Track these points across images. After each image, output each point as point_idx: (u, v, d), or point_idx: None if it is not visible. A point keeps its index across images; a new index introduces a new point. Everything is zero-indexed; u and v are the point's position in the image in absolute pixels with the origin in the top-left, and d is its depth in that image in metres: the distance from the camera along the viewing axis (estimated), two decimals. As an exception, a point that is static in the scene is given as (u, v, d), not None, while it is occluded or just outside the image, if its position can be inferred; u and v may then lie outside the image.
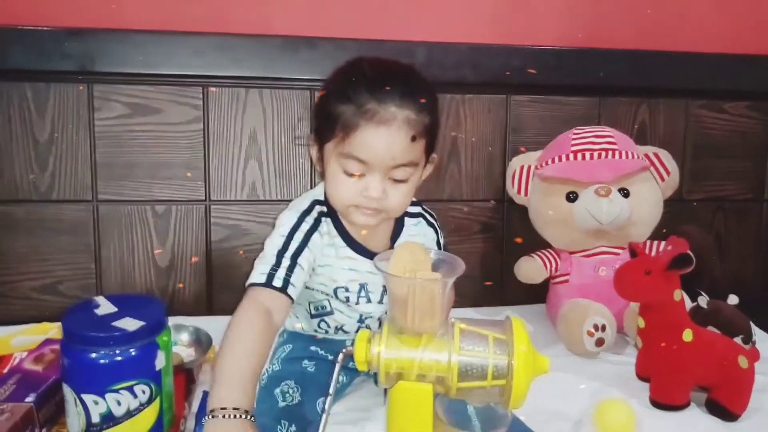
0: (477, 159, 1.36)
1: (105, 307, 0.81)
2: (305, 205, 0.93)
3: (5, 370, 0.92)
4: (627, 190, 1.18)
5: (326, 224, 0.92)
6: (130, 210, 1.25)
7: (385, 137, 0.83)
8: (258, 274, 0.83)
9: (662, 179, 1.24)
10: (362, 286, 0.95)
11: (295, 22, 1.26)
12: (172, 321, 0.84)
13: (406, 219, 1.00)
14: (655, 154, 1.25)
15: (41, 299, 1.24)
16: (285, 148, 1.29)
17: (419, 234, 1.01)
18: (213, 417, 0.68)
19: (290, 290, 0.83)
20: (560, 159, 1.21)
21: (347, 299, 0.95)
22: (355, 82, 0.85)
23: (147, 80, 1.22)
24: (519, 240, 1.27)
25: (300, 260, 0.86)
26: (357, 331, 0.99)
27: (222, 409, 0.69)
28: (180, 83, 1.23)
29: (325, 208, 0.94)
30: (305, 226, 0.89)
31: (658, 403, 0.97)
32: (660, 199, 1.24)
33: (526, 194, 1.26)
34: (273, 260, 0.85)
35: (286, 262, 0.85)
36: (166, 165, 1.25)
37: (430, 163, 0.95)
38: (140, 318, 0.77)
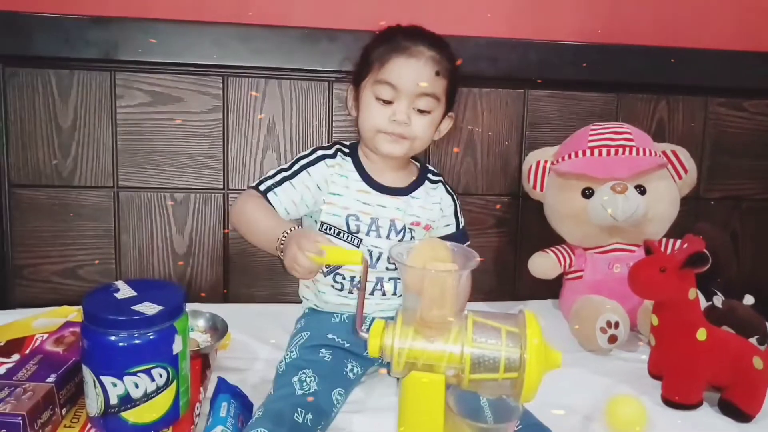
0: (493, 153, 1.36)
1: (125, 291, 0.82)
2: (325, 145, 1.07)
3: (27, 351, 0.94)
4: (643, 187, 1.17)
5: (341, 158, 1.05)
6: (149, 197, 1.27)
7: (414, 67, 0.97)
8: (256, 180, 1.03)
9: (679, 177, 1.23)
10: (373, 221, 1.02)
11: (314, 13, 1.26)
12: (189, 307, 0.86)
13: (427, 181, 1.09)
14: (673, 152, 1.24)
15: (62, 283, 1.27)
16: (303, 138, 1.30)
17: (437, 195, 1.09)
18: (284, 237, 0.87)
19: (270, 195, 0.99)
20: (577, 155, 1.21)
21: (358, 229, 1.01)
22: (394, 31, 1.02)
23: (168, 69, 1.24)
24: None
25: (294, 180, 1.01)
26: (372, 292, 1.03)
27: (283, 234, 0.87)
28: (200, 73, 1.25)
29: (346, 149, 1.07)
30: (312, 156, 1.04)
31: (670, 402, 0.97)
32: (677, 197, 1.23)
33: (541, 189, 1.26)
34: (272, 173, 1.03)
35: (278, 176, 1.01)
36: (185, 153, 1.27)
37: (448, 118, 1.07)
38: (159, 303, 0.79)
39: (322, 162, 1.03)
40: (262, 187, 1.00)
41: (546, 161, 1.26)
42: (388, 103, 0.99)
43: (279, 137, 1.29)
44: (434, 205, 1.08)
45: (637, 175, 1.17)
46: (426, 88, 0.98)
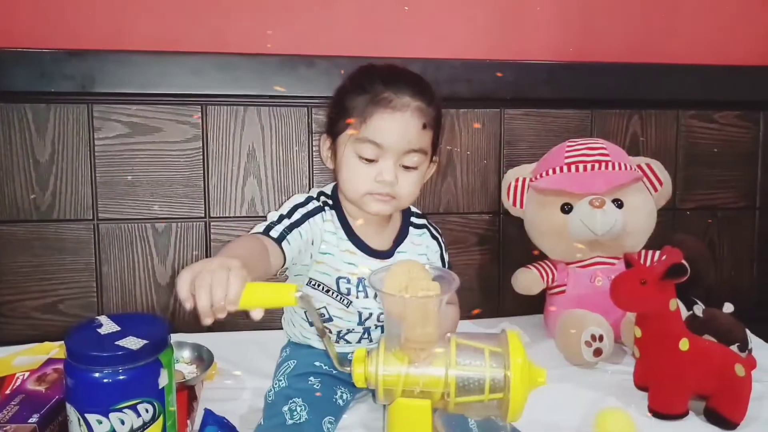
0: (473, 172, 1.37)
1: (108, 326, 0.81)
2: (313, 193, 1.00)
3: (7, 391, 0.92)
4: (621, 200, 1.19)
5: (330, 213, 0.98)
6: (130, 228, 1.26)
7: (399, 122, 0.90)
8: (258, 227, 0.91)
9: (655, 189, 1.26)
10: (360, 281, 0.97)
11: (291, 40, 1.28)
12: (173, 338, 0.85)
13: (411, 228, 1.04)
14: (648, 165, 1.26)
15: (42, 318, 1.25)
16: (283, 165, 1.30)
17: (422, 244, 1.04)
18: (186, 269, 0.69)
19: (284, 245, 0.89)
20: (554, 171, 1.23)
21: (348, 291, 0.97)
22: (371, 77, 0.93)
23: (146, 100, 1.24)
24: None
25: (300, 228, 0.92)
26: (359, 341, 1.01)
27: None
28: (179, 102, 1.25)
29: (330, 201, 0.99)
30: (311, 205, 0.96)
31: (656, 412, 0.97)
32: (653, 209, 1.25)
33: (521, 206, 1.27)
34: (275, 219, 0.92)
35: (286, 222, 0.92)
36: (165, 183, 1.26)
37: (433, 163, 1.01)
38: (143, 336, 0.78)
39: (318, 215, 0.96)
40: (273, 234, 0.90)
41: (524, 178, 1.27)
42: (372, 161, 0.92)
43: (260, 164, 1.29)
44: (420, 257, 1.03)
45: (614, 189, 1.19)
46: (414, 143, 0.91)
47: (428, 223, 1.08)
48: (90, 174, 1.24)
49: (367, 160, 0.92)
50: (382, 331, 1.01)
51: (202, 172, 1.27)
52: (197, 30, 1.25)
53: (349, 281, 0.97)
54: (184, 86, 1.23)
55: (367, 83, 0.92)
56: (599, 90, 1.37)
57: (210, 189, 1.28)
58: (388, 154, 0.91)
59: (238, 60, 1.24)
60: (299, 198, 0.98)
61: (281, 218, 0.93)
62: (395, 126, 0.90)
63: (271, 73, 1.25)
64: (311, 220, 0.95)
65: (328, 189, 1.02)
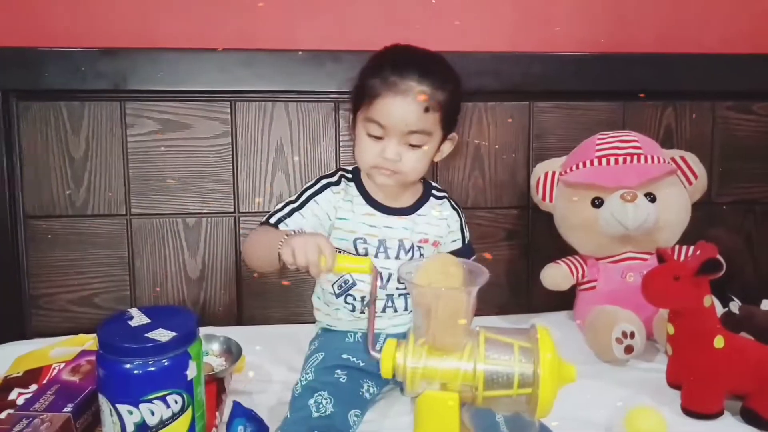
0: (501, 166, 1.36)
1: (138, 318, 0.83)
2: (329, 173, 1.07)
3: (44, 381, 0.95)
4: (653, 194, 1.17)
5: (345, 184, 1.05)
6: (162, 223, 1.28)
7: (401, 105, 0.95)
8: (266, 216, 1.02)
9: (689, 183, 1.22)
10: (381, 242, 1.02)
11: (319, 36, 1.28)
12: (202, 331, 0.86)
13: (432, 198, 1.09)
14: (682, 158, 1.23)
15: (78, 311, 1.28)
16: (311, 160, 1.31)
17: (443, 212, 1.09)
18: (284, 238, 0.86)
19: (281, 227, 0.99)
20: (585, 165, 1.21)
21: (366, 251, 1.01)
22: (385, 60, 0.99)
23: (177, 97, 1.26)
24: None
25: (303, 210, 1.01)
26: (384, 309, 1.03)
27: (285, 234, 0.88)
28: (208, 99, 1.27)
29: (349, 175, 1.07)
30: (317, 185, 1.04)
31: (690, 411, 0.95)
32: (688, 203, 1.22)
33: (551, 200, 1.26)
34: (280, 206, 1.03)
35: (287, 209, 1.01)
36: (196, 179, 1.28)
37: (449, 140, 1.05)
38: (172, 329, 0.79)
39: (328, 190, 1.03)
40: (272, 220, 1.00)
41: (554, 172, 1.26)
42: (379, 138, 0.98)
43: (288, 159, 1.30)
44: (441, 221, 1.08)
45: (646, 183, 1.17)
46: (415, 125, 0.96)
47: (449, 196, 1.12)
48: (123, 170, 1.26)
49: (374, 137, 0.98)
50: (406, 301, 1.03)
51: (231, 167, 1.29)
52: (225, 27, 1.27)
53: (366, 241, 1.02)
54: (213, 83, 1.25)
55: (380, 66, 0.98)
56: (631, 81, 1.34)
57: (239, 184, 1.30)
58: (391, 133, 0.97)
59: (265, 56, 1.25)
60: (309, 183, 1.05)
61: (286, 204, 1.02)
62: (396, 109, 0.95)
63: (297, 68, 1.26)
64: (318, 197, 1.02)
65: (349, 167, 1.10)
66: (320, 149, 1.31)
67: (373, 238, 1.02)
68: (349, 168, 1.09)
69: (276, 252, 0.87)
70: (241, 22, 1.27)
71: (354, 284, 1.02)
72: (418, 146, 0.98)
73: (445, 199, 1.11)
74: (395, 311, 1.03)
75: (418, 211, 1.06)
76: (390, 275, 1.02)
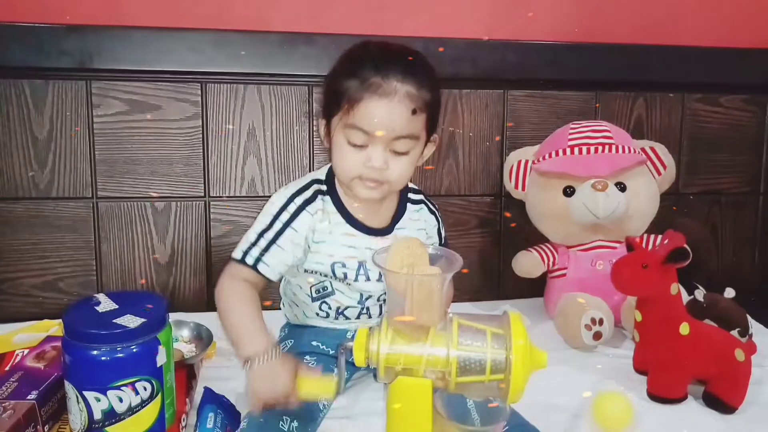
0: (474, 154, 1.36)
1: (106, 304, 0.81)
2: (300, 185, 0.96)
3: (7, 368, 0.92)
4: (624, 184, 1.18)
5: (322, 202, 0.95)
6: (129, 206, 1.26)
7: (387, 109, 0.86)
8: (238, 251, 0.92)
9: (659, 173, 1.24)
10: (361, 264, 0.96)
11: (293, 18, 1.26)
12: (172, 317, 0.85)
13: (408, 204, 1.02)
14: (652, 148, 1.25)
15: (42, 296, 1.25)
16: (284, 144, 1.29)
17: (420, 219, 1.03)
18: (252, 367, 0.80)
19: (261, 267, 0.90)
20: (557, 154, 1.22)
21: (345, 276, 0.95)
22: (361, 60, 0.89)
23: (145, 77, 1.22)
24: (513, 225, 1.27)
25: (280, 241, 0.91)
26: (358, 316, 1.00)
27: (255, 357, 0.80)
28: (178, 80, 1.24)
29: (324, 187, 0.97)
30: (292, 207, 0.93)
31: (655, 396, 0.98)
32: (656, 193, 1.24)
33: (523, 189, 1.26)
34: (253, 238, 0.92)
35: (263, 242, 0.91)
36: (165, 161, 1.25)
37: (431, 143, 0.97)
38: (141, 315, 0.78)
39: (304, 212, 0.93)
40: (249, 260, 0.90)
41: (527, 161, 1.26)
42: (362, 147, 0.89)
43: (260, 143, 1.28)
44: (419, 231, 1.02)
45: (617, 173, 1.18)
46: (402, 130, 0.88)
47: (425, 198, 1.06)
48: (89, 151, 1.23)
49: (356, 145, 0.89)
50: (381, 309, 1.01)
51: (201, 150, 1.26)
52: (197, 6, 1.23)
53: (344, 265, 0.95)
54: (183, 63, 1.22)
55: (357, 66, 0.88)
56: (604, 72, 1.35)
57: (210, 168, 1.27)
58: (376, 140, 0.88)
59: (238, 37, 1.23)
60: (281, 199, 0.94)
61: (260, 236, 0.91)
62: (383, 113, 0.86)
63: (271, 50, 1.24)
64: (295, 223, 0.92)
65: (322, 173, 0.99)
66: (293, 133, 1.29)
67: (353, 260, 0.95)
68: (322, 177, 0.98)
69: (239, 357, 0.83)
70: (213, 1, 1.24)
71: (332, 293, 0.98)
72: (404, 153, 0.90)
73: (422, 204, 1.05)
74: (369, 317, 1.01)
75: (398, 225, 1.00)
76: (370, 295, 0.98)
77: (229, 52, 1.22)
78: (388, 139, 0.88)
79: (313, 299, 0.99)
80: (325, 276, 0.96)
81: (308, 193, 0.95)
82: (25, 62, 1.17)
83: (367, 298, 0.99)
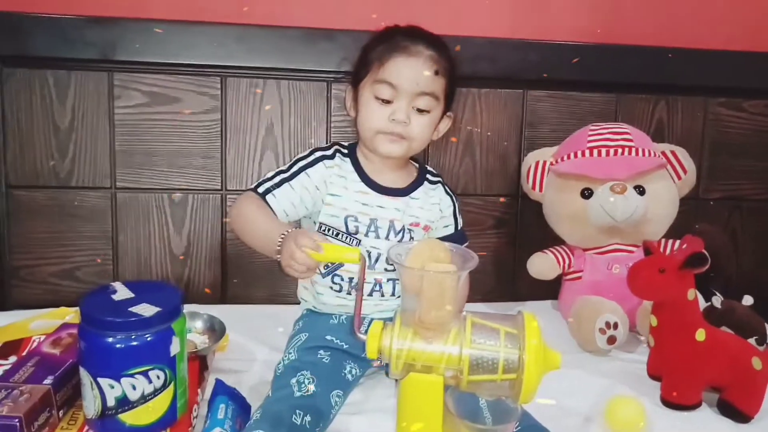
0: (492, 153, 1.36)
1: (122, 292, 0.82)
2: (324, 146, 1.07)
3: (24, 353, 0.94)
4: (643, 187, 1.17)
5: (340, 159, 1.05)
6: (147, 198, 1.27)
7: (413, 66, 0.98)
8: (255, 182, 1.02)
9: (679, 177, 1.23)
10: (372, 221, 1.01)
11: (313, 14, 1.26)
12: (186, 309, 0.86)
13: (426, 182, 1.09)
14: (672, 152, 1.24)
15: (59, 284, 1.26)
16: (301, 140, 1.29)
17: (436, 196, 1.09)
18: (282, 238, 0.86)
19: (269, 198, 0.99)
20: (576, 155, 1.21)
21: (357, 230, 1.00)
22: (393, 31, 1.03)
23: (166, 69, 1.23)
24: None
25: (293, 182, 1.01)
26: (371, 293, 1.02)
27: (281, 235, 0.86)
28: (199, 73, 1.24)
29: (344, 150, 1.06)
30: (311, 157, 1.03)
31: (669, 403, 0.97)
32: (676, 198, 1.23)
33: (541, 190, 1.26)
34: (270, 175, 1.02)
35: (278, 179, 1.01)
36: (183, 154, 1.26)
37: (447, 117, 1.07)
38: (156, 304, 0.79)
39: (320, 163, 1.02)
40: (260, 189, 1.00)
41: (545, 161, 1.25)
42: (388, 102, 0.99)
43: (277, 138, 1.29)
44: (433, 206, 1.07)
45: (636, 176, 1.17)
46: (425, 86, 0.98)
47: (443, 181, 1.12)
48: (109, 142, 1.24)
49: (383, 100, 0.99)
50: (394, 286, 1.03)
51: (219, 144, 1.27)
52: (219, 0, 1.24)
53: (357, 219, 1.01)
54: (204, 57, 1.22)
55: (388, 35, 1.01)
56: (626, 73, 1.34)
57: (227, 162, 1.28)
58: (401, 95, 0.98)
59: (259, 31, 1.23)
60: (303, 153, 1.05)
61: (277, 174, 1.02)
62: (408, 69, 0.97)
63: (291, 46, 1.24)
64: (310, 170, 1.01)
65: (345, 143, 1.09)
66: (311, 129, 1.29)
67: (365, 216, 1.01)
68: (346, 144, 1.08)
69: (272, 250, 0.87)
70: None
71: (341, 264, 1.01)
72: (426, 111, 1.00)
73: (440, 184, 1.11)
74: (382, 296, 1.03)
75: (412, 194, 1.06)
76: (379, 255, 1.02)
77: (249, 46, 1.23)
78: (413, 94, 0.98)
79: (324, 274, 1.02)
80: (338, 232, 1.00)
81: (329, 152, 1.05)
82: (49, 52, 1.19)
83: (375, 261, 1.01)
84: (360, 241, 1.01)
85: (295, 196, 1.00)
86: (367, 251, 1.01)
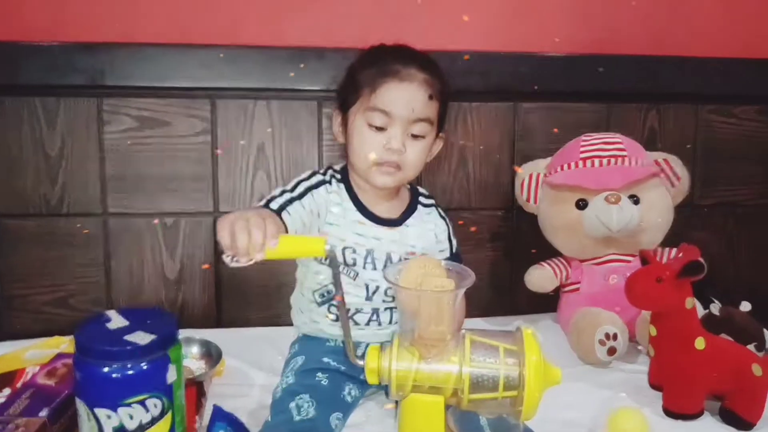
0: (485, 167, 1.36)
1: (117, 320, 0.81)
2: (320, 169, 1.03)
3: (18, 385, 0.92)
4: (637, 196, 1.17)
5: (336, 185, 1.01)
6: (139, 223, 1.26)
7: (407, 91, 0.94)
8: (262, 201, 0.93)
9: (672, 185, 1.23)
10: (369, 252, 0.98)
11: (302, 33, 1.26)
12: (181, 334, 0.84)
13: (419, 206, 1.06)
14: (665, 160, 1.24)
15: (53, 313, 1.25)
16: (293, 160, 1.29)
17: (431, 222, 1.06)
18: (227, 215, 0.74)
19: (284, 215, 0.89)
20: (569, 166, 1.21)
21: (354, 261, 0.97)
22: (381, 52, 0.99)
23: (155, 93, 1.23)
24: (533, 251, 1.27)
25: (302, 201, 0.94)
26: (368, 323, 1.00)
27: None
28: (188, 96, 1.24)
29: (338, 175, 1.02)
30: (314, 180, 0.99)
31: (671, 412, 0.96)
32: (671, 205, 1.23)
33: (535, 202, 1.25)
34: (276, 193, 0.94)
35: (287, 195, 0.94)
36: (174, 177, 1.26)
37: (439, 139, 1.04)
38: (151, 331, 0.78)
39: (322, 187, 0.98)
40: (274, 206, 0.92)
41: (538, 174, 1.25)
42: (381, 129, 0.95)
43: (269, 158, 1.28)
44: (428, 232, 1.04)
45: (630, 185, 1.17)
46: (420, 112, 0.95)
47: (436, 204, 1.10)
48: (99, 168, 1.23)
49: (376, 128, 0.95)
50: (391, 315, 1.00)
51: (211, 166, 1.27)
52: (205, 23, 1.24)
53: (355, 251, 0.98)
54: (193, 79, 1.22)
55: (378, 58, 0.97)
56: (616, 83, 1.34)
57: (219, 184, 1.27)
58: (396, 122, 0.94)
59: (248, 52, 1.23)
60: (304, 174, 1.00)
61: (283, 192, 0.95)
62: (403, 95, 0.94)
63: (280, 65, 1.24)
64: (314, 192, 0.97)
65: (337, 166, 1.05)
66: (303, 149, 1.29)
67: (362, 248, 0.98)
68: (338, 167, 1.05)
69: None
70: (223, 17, 1.25)
71: (337, 291, 0.98)
72: (421, 137, 0.97)
73: (433, 208, 1.08)
74: (379, 324, 1.01)
75: (407, 222, 1.03)
76: (377, 288, 0.99)
77: (238, 67, 1.23)
78: (408, 121, 0.94)
79: (320, 304, 1.00)
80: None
81: (326, 176, 1.01)
82: (38, 80, 1.18)
83: (373, 293, 0.99)
84: (358, 273, 0.98)
85: (305, 215, 0.94)
86: (366, 284, 0.98)
